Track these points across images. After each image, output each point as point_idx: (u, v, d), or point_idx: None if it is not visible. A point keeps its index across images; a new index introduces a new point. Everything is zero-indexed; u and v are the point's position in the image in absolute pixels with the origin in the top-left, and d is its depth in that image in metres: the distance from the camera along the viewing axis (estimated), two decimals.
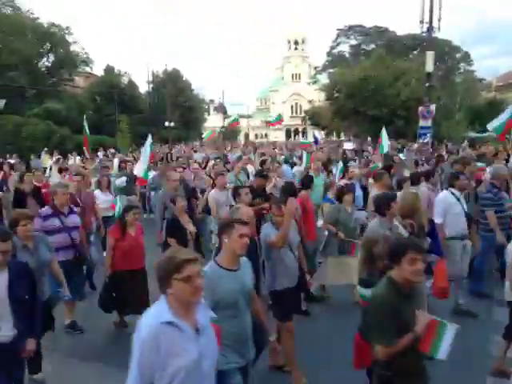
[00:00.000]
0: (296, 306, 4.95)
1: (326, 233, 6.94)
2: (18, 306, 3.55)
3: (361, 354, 3.54)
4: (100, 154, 23.07)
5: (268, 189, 8.33)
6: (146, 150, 10.83)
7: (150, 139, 11.33)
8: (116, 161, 14.63)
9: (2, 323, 3.51)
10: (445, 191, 6.70)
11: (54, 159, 18.83)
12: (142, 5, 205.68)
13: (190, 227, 6.21)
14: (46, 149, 22.33)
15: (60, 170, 12.24)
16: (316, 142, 24.30)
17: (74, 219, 5.93)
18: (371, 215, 6.32)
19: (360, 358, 3.57)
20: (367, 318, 3.35)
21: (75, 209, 6.27)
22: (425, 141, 20.45)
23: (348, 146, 23.80)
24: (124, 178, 10.89)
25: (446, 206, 6.30)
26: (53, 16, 41.40)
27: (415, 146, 21.24)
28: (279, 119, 32.78)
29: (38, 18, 41.88)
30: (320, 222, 7.49)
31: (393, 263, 3.03)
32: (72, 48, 43.34)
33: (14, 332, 3.57)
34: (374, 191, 7.12)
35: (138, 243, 5.83)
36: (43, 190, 9.25)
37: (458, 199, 6.37)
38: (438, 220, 6.21)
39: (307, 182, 7.55)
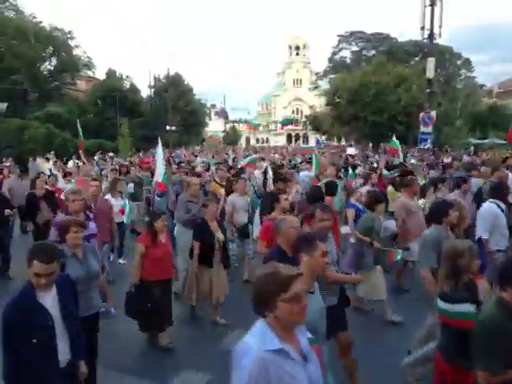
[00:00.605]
0: (341, 324, 4.29)
1: (352, 240, 6.71)
2: (70, 323, 3.27)
3: (442, 375, 3.30)
4: (96, 157, 22.85)
5: (291, 197, 7.85)
6: (159, 153, 10.50)
7: (160, 143, 10.93)
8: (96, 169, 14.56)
9: (60, 344, 3.17)
10: (489, 203, 6.10)
11: (51, 162, 18.78)
12: (143, 7, 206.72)
13: (219, 234, 6.00)
14: (52, 152, 22.35)
15: (65, 175, 12.14)
16: (318, 142, 24.34)
17: (91, 226, 5.51)
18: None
19: (440, 379, 3.32)
20: (454, 339, 3.16)
21: (91, 215, 6.04)
22: (425, 147, 20.50)
23: (350, 151, 23.62)
24: (132, 184, 10.72)
25: (493, 219, 5.85)
26: (55, 20, 42.09)
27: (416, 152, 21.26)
28: (294, 121, 32.43)
29: (40, 22, 42.15)
30: (345, 228, 7.18)
31: (506, 285, 2.80)
32: (74, 52, 43.59)
33: (70, 353, 3.28)
34: (402, 198, 6.96)
35: (169, 251, 5.61)
36: (58, 195, 8.98)
37: (503, 210, 5.96)
38: (484, 235, 5.82)
39: (331, 188, 7.29)
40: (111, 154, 22.67)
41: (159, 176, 9.77)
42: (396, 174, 10.68)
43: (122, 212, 8.64)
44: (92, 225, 5.59)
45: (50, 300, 3.13)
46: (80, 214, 5.48)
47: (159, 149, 10.48)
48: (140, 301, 5.30)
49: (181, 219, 7.27)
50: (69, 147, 29.34)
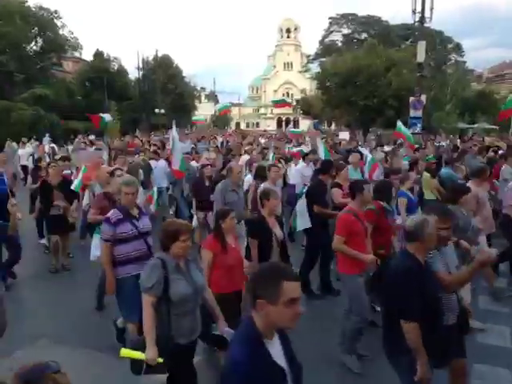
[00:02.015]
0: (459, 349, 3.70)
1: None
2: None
3: None
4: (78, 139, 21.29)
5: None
6: (175, 139, 9.65)
7: (175, 128, 10.28)
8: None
9: None
10: None
11: (30, 146, 18.25)
12: None
13: (278, 231, 5.27)
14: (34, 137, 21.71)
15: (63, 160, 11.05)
16: (316, 125, 23.30)
17: (147, 222, 4.82)
18: None
19: None
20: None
21: (144, 210, 5.26)
22: (415, 131, 20.56)
23: (343, 136, 22.68)
24: (140, 171, 9.70)
25: None
26: None
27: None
28: (285, 102, 31.51)
29: (26, 1, 41.12)
30: (398, 218, 6.31)
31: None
32: (61, 32, 42.68)
33: None
34: (473, 188, 6.01)
35: (241, 257, 4.78)
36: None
37: None
38: None
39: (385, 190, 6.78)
40: (92, 137, 21.75)
41: (176, 163, 9.24)
42: (433, 161, 10.11)
43: (150, 200, 7.73)
44: (148, 220, 4.89)
45: (277, 352, 2.10)
46: (134, 207, 4.79)
47: (174, 134, 9.81)
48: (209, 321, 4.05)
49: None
50: (56, 130, 28.94)
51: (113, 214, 4.58)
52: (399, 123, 13.90)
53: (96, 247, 5.50)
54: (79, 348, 5.05)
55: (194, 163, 10.67)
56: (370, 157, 9.60)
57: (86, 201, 7.52)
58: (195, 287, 3.38)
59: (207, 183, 8.36)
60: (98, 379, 4.50)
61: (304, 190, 7.45)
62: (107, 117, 17.18)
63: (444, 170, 9.39)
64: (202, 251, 4.53)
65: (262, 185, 6.96)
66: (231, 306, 4.18)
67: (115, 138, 22.13)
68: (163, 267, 3.30)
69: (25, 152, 17.15)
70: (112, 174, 6.57)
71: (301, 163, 9.91)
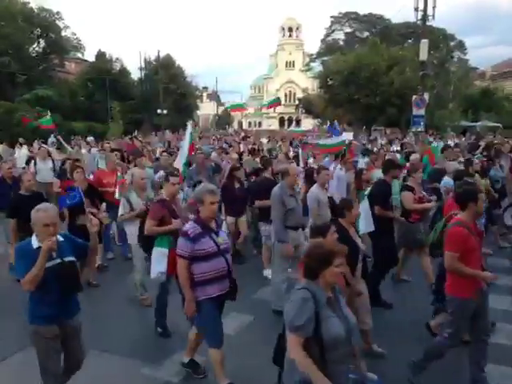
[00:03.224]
0: None
1: None
2: None
3: None
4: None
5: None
6: (186, 140, 9.21)
7: (189, 127, 9.88)
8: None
9: None
10: None
11: (25, 148, 17.61)
12: None
13: (360, 243, 4.69)
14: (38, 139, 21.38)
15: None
16: (336, 132, 22.88)
17: (225, 237, 4.37)
18: None
19: None
20: None
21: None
22: (418, 129, 20.50)
23: (348, 135, 22.32)
24: (161, 173, 9.46)
25: None
26: (43, 0, 40.96)
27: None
28: (276, 101, 31.26)
29: (28, 3, 41.21)
30: None
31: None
32: (63, 33, 42.77)
33: None
34: None
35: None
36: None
37: None
38: None
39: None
40: (90, 138, 21.52)
41: (179, 164, 8.66)
42: (484, 159, 9.68)
43: None
44: (225, 235, 4.46)
45: None
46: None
47: (187, 134, 9.37)
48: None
49: (280, 221, 5.92)
50: (58, 131, 28.94)
51: (191, 227, 4.07)
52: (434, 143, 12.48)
53: (157, 262, 5.09)
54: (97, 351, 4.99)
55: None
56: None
57: (121, 210, 6.47)
58: (348, 326, 2.79)
59: (237, 185, 8.01)
60: (98, 379, 4.49)
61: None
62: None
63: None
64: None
65: (313, 188, 6.70)
66: None
67: (117, 139, 22.08)
68: (313, 300, 2.70)
69: (23, 154, 16.08)
70: (167, 178, 5.60)
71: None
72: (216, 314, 4.12)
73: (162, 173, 8.90)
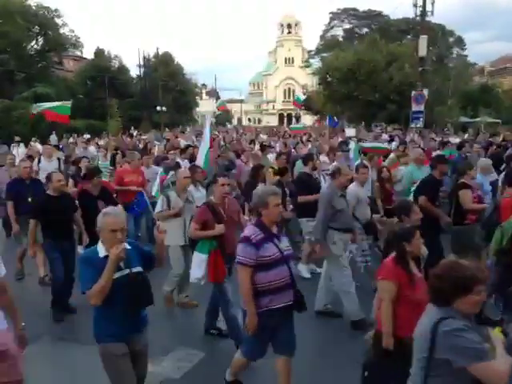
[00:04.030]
0: None
1: None
2: None
3: None
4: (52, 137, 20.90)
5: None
6: (206, 135, 8.84)
7: (208, 121, 9.53)
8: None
9: None
10: None
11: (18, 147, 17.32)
12: None
13: (423, 248, 3.96)
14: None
15: (72, 162, 10.25)
16: (334, 122, 22.73)
17: (287, 243, 3.99)
18: None
19: None
20: None
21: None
22: (417, 125, 20.51)
23: (350, 132, 22.01)
24: (173, 172, 9.09)
25: None
26: None
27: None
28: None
29: (26, 0, 41.11)
30: None
31: None
32: (61, 31, 42.67)
33: None
34: None
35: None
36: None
37: None
38: None
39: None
40: (87, 136, 21.28)
41: (200, 159, 8.34)
42: None
43: None
44: (286, 241, 4.01)
45: None
46: (273, 226, 3.88)
47: (207, 128, 9.07)
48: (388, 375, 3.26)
49: (323, 223, 5.60)
50: (57, 128, 28.93)
51: (252, 232, 3.73)
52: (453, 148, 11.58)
53: (197, 267, 4.99)
54: (77, 344, 5.04)
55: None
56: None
57: (159, 207, 6.18)
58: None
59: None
60: (95, 375, 4.52)
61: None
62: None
63: None
64: (382, 283, 3.47)
65: (352, 186, 6.35)
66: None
67: (116, 136, 22.02)
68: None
69: (20, 153, 15.44)
70: (215, 179, 5.36)
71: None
72: (270, 327, 3.76)
73: (173, 172, 8.72)
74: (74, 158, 10.92)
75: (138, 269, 3.26)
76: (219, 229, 4.92)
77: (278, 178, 7.65)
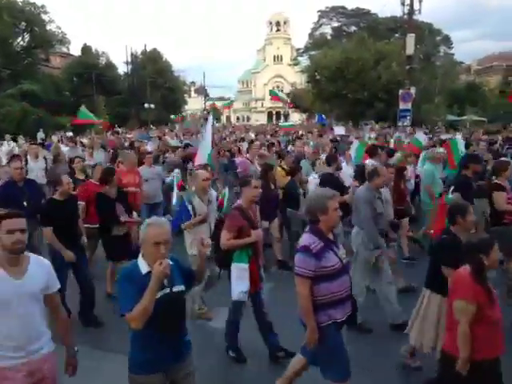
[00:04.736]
0: None
1: None
2: None
3: None
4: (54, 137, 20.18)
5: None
6: (207, 131, 8.60)
7: (211, 119, 9.26)
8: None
9: None
10: None
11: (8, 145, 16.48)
12: None
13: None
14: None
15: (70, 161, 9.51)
16: (324, 124, 22.93)
17: (343, 250, 3.73)
18: None
19: None
20: None
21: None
22: (404, 123, 20.66)
23: (339, 131, 22.07)
24: (177, 170, 8.95)
25: None
26: None
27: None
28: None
29: None
30: None
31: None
32: (48, 27, 42.24)
33: None
34: None
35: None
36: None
37: None
38: None
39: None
40: (70, 133, 20.98)
41: (203, 159, 7.97)
42: None
43: (221, 203, 6.47)
44: (341, 248, 3.70)
45: None
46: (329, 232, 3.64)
47: (209, 125, 8.83)
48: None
49: (373, 225, 5.23)
50: (44, 125, 28.71)
51: (311, 241, 3.41)
52: (458, 138, 11.14)
53: (239, 280, 4.49)
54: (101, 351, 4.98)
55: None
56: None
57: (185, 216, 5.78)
58: None
59: (272, 187, 7.41)
60: (90, 373, 4.49)
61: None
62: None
63: None
64: (460, 303, 3.16)
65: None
66: (492, 376, 3.17)
67: (100, 134, 21.73)
68: None
69: (7, 151, 14.33)
70: (247, 181, 4.82)
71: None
72: (342, 341, 3.52)
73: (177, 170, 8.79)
74: (69, 158, 10.48)
75: (181, 287, 2.89)
76: (256, 235, 4.51)
77: (289, 178, 7.50)
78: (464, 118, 33.11)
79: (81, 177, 8.07)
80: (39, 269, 2.94)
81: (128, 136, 21.83)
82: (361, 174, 6.93)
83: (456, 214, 4.00)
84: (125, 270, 2.86)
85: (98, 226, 6.18)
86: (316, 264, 3.32)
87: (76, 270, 5.50)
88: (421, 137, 11.26)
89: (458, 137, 11.77)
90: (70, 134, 20.88)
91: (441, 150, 8.37)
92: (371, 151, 8.54)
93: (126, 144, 15.63)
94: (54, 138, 19.80)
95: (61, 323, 3.15)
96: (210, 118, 9.54)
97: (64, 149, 13.62)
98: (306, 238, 3.45)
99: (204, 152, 8.11)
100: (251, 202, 4.64)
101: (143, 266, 2.79)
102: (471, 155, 7.46)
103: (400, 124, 20.81)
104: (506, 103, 30.17)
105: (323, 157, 9.48)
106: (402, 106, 20.83)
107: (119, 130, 28.99)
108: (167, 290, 2.78)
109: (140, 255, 2.85)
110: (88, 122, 16.46)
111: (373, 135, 18.69)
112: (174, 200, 7.77)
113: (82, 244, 5.84)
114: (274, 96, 36.92)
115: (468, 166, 6.44)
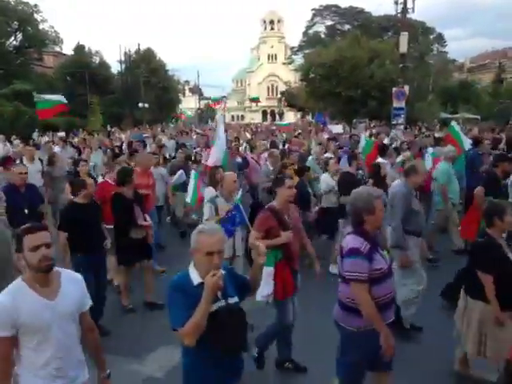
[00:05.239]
0: None
1: None
2: None
3: None
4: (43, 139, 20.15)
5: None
6: (221, 134, 8.24)
7: (221, 119, 9.10)
8: None
9: None
10: None
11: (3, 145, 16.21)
12: None
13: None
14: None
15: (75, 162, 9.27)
16: (324, 123, 23.01)
17: (385, 251, 3.53)
18: None
19: None
20: None
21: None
22: (398, 122, 20.73)
23: (337, 129, 21.98)
24: (181, 171, 8.82)
25: None
26: None
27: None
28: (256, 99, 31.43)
29: None
30: None
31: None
32: (41, 26, 42.08)
33: None
34: None
35: None
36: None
37: None
38: None
39: None
40: (61, 133, 20.60)
41: (218, 160, 7.62)
42: None
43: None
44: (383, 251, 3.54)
45: None
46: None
47: (221, 127, 8.52)
48: None
49: (401, 226, 5.06)
50: (37, 125, 28.57)
51: (359, 242, 3.25)
52: (454, 123, 11.04)
53: (264, 282, 4.07)
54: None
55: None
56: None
57: (206, 215, 5.59)
58: None
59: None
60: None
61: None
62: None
63: None
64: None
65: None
66: None
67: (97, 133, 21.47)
68: None
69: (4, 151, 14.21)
70: (281, 181, 4.59)
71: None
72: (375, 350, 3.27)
73: (181, 171, 8.64)
74: (73, 160, 10.25)
75: (235, 299, 2.70)
76: (286, 236, 4.26)
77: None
78: (457, 115, 33.26)
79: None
80: (72, 286, 2.70)
81: (118, 136, 21.16)
82: (375, 174, 6.91)
83: (493, 215, 3.82)
84: (175, 281, 2.66)
85: (112, 227, 5.99)
86: (369, 267, 3.16)
87: (94, 276, 5.16)
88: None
89: (453, 122, 11.48)
90: (62, 134, 20.65)
91: (452, 148, 8.22)
92: (381, 150, 8.48)
93: (117, 144, 15.46)
94: (45, 139, 19.60)
95: (93, 344, 2.90)
96: (222, 117, 9.54)
97: (56, 149, 13.32)
98: (350, 240, 3.28)
99: (219, 153, 7.81)
100: (286, 202, 4.43)
101: (195, 276, 2.61)
102: (501, 154, 7.40)
103: (394, 122, 20.89)
104: (498, 101, 30.37)
105: (328, 155, 9.47)
106: (395, 104, 20.90)
107: (111, 129, 28.78)
108: (222, 303, 2.61)
109: (191, 265, 2.67)
110: (53, 110, 15.70)
111: (367, 133, 18.75)
112: (189, 198, 7.34)
113: (105, 249, 5.65)
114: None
115: (497, 165, 6.40)
